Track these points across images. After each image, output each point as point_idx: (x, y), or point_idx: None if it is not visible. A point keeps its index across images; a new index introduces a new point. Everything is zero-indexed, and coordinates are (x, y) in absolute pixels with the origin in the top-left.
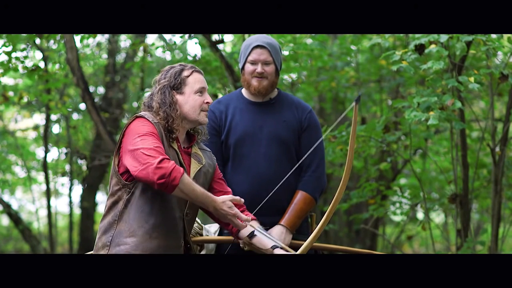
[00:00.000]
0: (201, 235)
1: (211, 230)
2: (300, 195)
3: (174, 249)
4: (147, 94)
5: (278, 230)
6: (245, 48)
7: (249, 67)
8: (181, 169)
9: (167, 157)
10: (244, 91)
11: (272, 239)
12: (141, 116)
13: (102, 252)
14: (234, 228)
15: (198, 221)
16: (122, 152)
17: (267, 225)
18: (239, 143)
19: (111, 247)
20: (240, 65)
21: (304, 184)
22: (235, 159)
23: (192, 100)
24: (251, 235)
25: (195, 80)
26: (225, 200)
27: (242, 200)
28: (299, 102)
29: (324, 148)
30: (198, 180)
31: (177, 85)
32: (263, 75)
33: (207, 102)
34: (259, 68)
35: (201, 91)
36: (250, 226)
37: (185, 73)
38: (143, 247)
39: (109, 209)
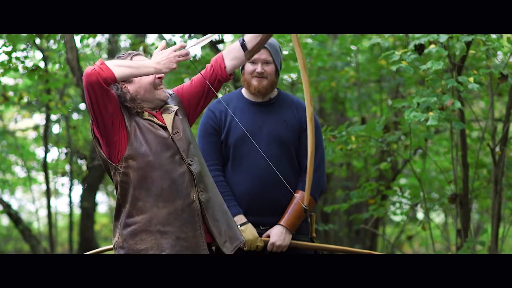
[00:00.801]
0: None
1: None
2: (300, 195)
3: (186, 208)
4: None
5: (277, 230)
6: None
7: (249, 67)
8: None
9: None
10: (244, 91)
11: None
12: None
13: (116, 238)
14: (218, 74)
15: None
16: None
17: (267, 225)
18: (239, 143)
19: (122, 230)
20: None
21: (304, 185)
22: (235, 159)
23: (143, 82)
24: (243, 45)
25: None
26: (159, 50)
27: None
28: (299, 102)
29: (324, 148)
30: (179, 128)
31: None
32: (263, 75)
33: (158, 77)
34: (259, 68)
35: None
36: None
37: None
38: (156, 220)
39: (116, 196)
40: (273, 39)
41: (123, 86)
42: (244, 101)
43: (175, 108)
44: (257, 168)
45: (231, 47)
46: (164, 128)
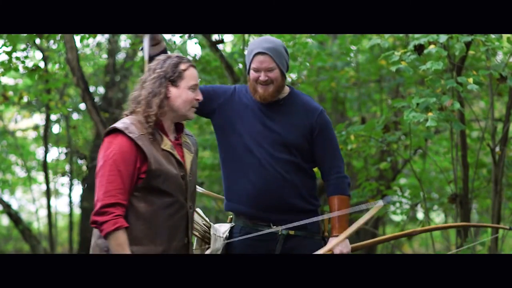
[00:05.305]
0: (209, 234)
1: (221, 229)
2: (338, 200)
3: (179, 250)
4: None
5: (334, 242)
6: (248, 53)
7: (253, 74)
8: (116, 224)
9: (112, 201)
10: None
11: None
12: (117, 131)
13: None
14: None
15: (206, 219)
16: None
17: (275, 222)
18: (245, 143)
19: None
20: (246, 70)
21: (336, 188)
22: (240, 160)
23: (185, 95)
24: None
25: (191, 76)
26: None
27: None
28: (309, 103)
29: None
30: (192, 170)
31: (174, 78)
32: (267, 82)
33: (197, 99)
34: (262, 76)
35: (194, 87)
36: None
37: (182, 67)
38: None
39: None
40: (276, 41)
41: (169, 86)
42: (253, 98)
43: (194, 149)
44: (264, 169)
45: None
46: (180, 164)
